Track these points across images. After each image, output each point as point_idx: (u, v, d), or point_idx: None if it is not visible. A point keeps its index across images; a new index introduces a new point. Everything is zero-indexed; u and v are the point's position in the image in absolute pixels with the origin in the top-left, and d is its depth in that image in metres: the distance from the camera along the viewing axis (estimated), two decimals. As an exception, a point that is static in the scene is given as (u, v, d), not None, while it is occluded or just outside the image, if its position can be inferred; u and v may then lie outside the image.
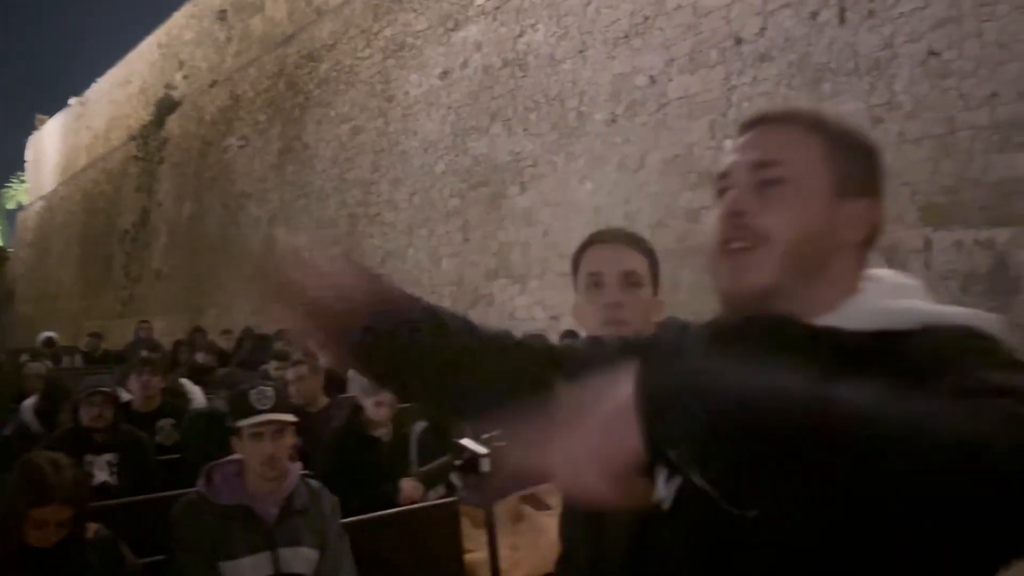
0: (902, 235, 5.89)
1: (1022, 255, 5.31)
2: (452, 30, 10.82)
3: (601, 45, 8.66)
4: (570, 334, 6.45)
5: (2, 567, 2.11)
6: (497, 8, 10.10)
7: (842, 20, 6.46)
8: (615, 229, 1.65)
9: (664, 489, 0.91)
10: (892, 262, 5.83)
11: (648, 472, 0.70)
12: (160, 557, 2.43)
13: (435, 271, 10.81)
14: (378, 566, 2.73)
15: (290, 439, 2.52)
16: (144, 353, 4.79)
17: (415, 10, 11.55)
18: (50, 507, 2.13)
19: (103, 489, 3.43)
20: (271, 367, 5.52)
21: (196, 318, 15.36)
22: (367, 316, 0.96)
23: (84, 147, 26.13)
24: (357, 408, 3.72)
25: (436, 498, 3.34)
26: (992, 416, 0.61)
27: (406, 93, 11.62)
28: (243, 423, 2.44)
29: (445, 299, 10.50)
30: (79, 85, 27.65)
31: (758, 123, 0.95)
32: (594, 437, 0.67)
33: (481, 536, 3.03)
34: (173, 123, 19.48)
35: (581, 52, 8.89)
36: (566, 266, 1.69)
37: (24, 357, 7.38)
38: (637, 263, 1.55)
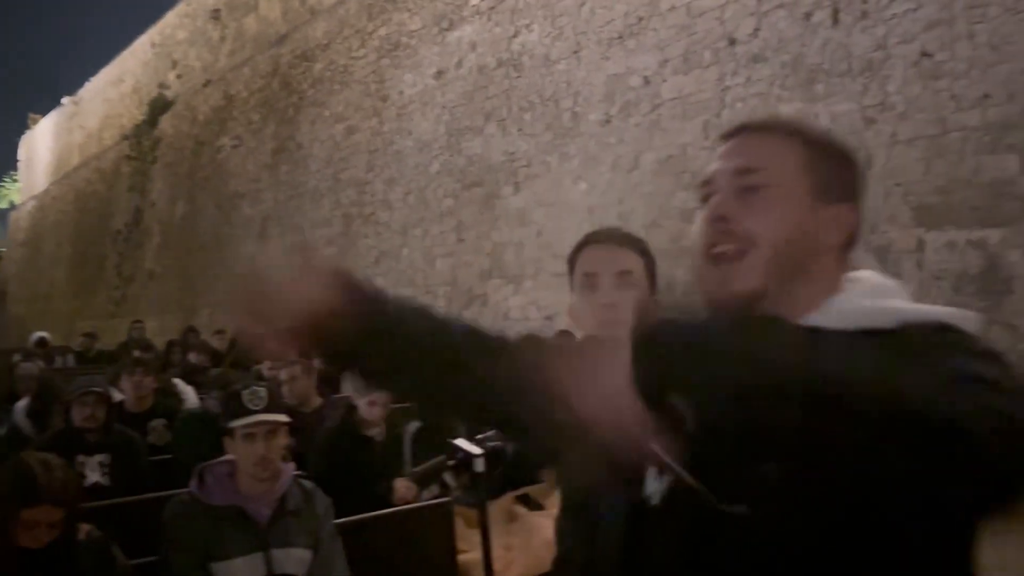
0: (895, 235, 5.91)
1: (1014, 256, 5.33)
2: (447, 30, 10.81)
3: (595, 46, 8.66)
4: (565, 334, 6.47)
5: (-7, 568, 2.10)
6: (492, 8, 10.10)
7: (836, 21, 6.48)
8: (611, 229, 1.64)
9: (654, 485, 0.93)
10: (885, 262, 5.84)
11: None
12: (152, 558, 2.42)
13: (429, 271, 10.80)
14: (371, 566, 2.72)
15: (283, 439, 2.52)
16: (136, 353, 4.77)
17: (409, 10, 11.54)
18: (41, 508, 2.12)
19: (95, 490, 3.41)
20: (264, 367, 5.50)
21: (189, 318, 15.32)
22: (352, 321, 0.95)
23: (77, 146, 26.04)
24: (351, 408, 3.71)
25: (430, 498, 3.34)
26: (964, 402, 0.65)
27: (400, 93, 11.60)
28: (236, 423, 2.43)
29: (439, 299, 10.49)
30: (72, 84, 27.59)
31: (740, 131, 0.98)
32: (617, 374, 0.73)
33: (475, 536, 3.03)
34: (166, 122, 19.43)
35: (575, 52, 8.90)
36: (560, 266, 1.69)
37: (16, 357, 7.35)
38: (633, 263, 1.55)
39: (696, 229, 0.96)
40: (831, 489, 0.73)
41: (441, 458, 2.23)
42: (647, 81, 8.07)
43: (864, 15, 6.28)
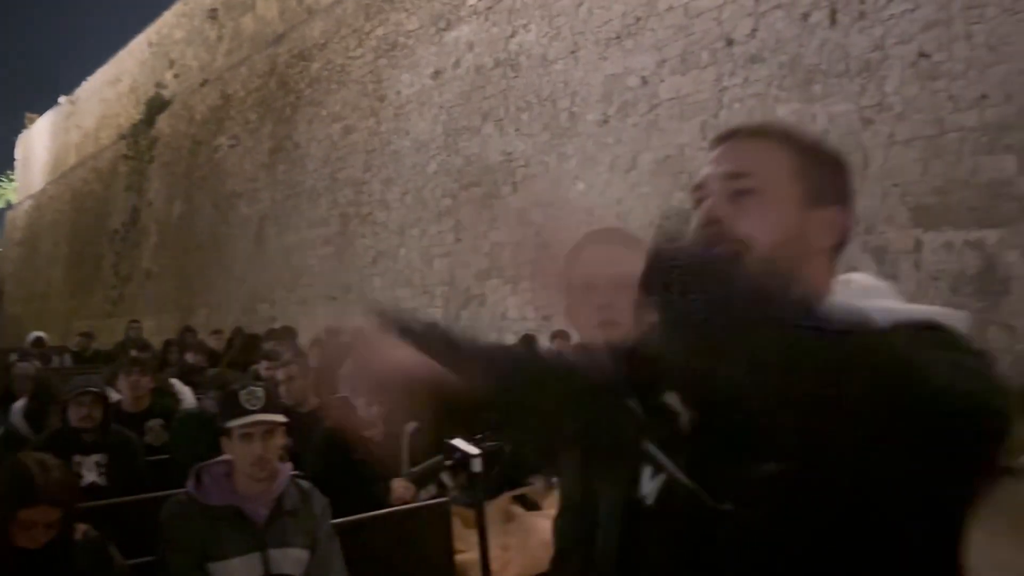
0: (892, 236, 5.92)
1: (1011, 256, 5.34)
2: (444, 30, 10.81)
3: (593, 46, 8.67)
4: (561, 334, 6.46)
5: (-11, 569, 2.10)
6: (489, 8, 10.10)
7: (833, 22, 6.49)
8: (609, 229, 1.64)
9: (649, 485, 0.94)
10: (882, 263, 5.86)
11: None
12: (149, 558, 2.41)
13: (427, 271, 10.80)
14: (369, 567, 2.72)
15: (280, 439, 2.51)
16: (133, 353, 4.76)
17: (407, 10, 11.54)
18: (37, 508, 2.11)
19: (92, 490, 3.41)
20: (261, 367, 5.49)
21: (186, 318, 15.31)
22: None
23: (74, 146, 26.00)
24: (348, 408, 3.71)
25: (427, 498, 3.34)
26: (944, 377, 0.68)
27: (398, 93, 11.60)
28: (233, 423, 2.42)
29: (437, 299, 10.50)
30: (69, 84, 27.53)
31: (731, 137, 1.00)
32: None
33: (472, 536, 3.03)
34: (163, 122, 19.40)
35: (573, 53, 8.90)
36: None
37: (13, 357, 7.33)
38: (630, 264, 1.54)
39: (688, 232, 0.98)
40: (825, 488, 0.74)
41: (438, 458, 2.24)
42: (645, 81, 8.07)
43: (862, 16, 6.29)
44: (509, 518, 3.30)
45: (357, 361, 1.03)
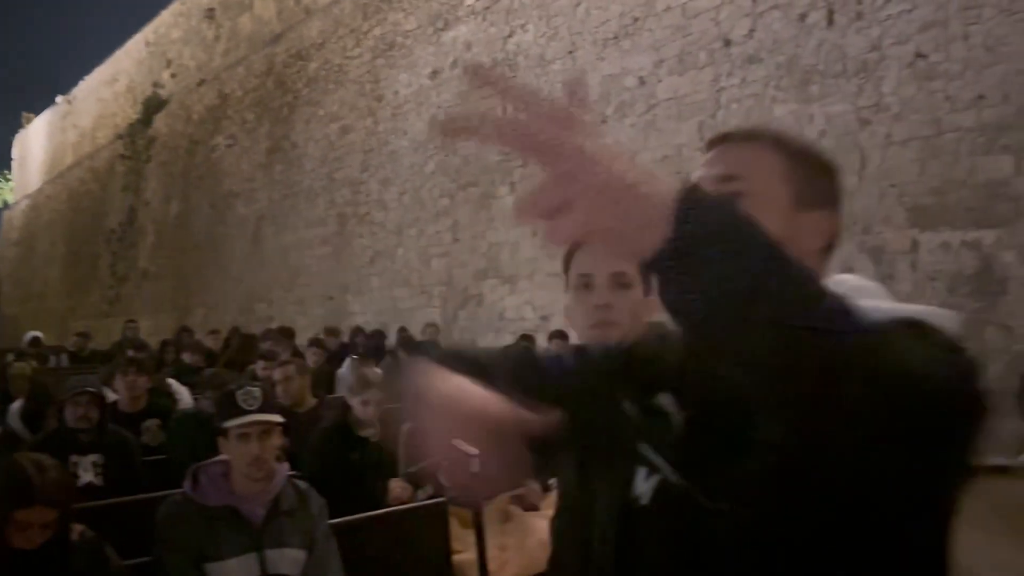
0: (889, 236, 5.93)
1: (1008, 256, 5.35)
2: (442, 30, 10.81)
3: (591, 46, 8.67)
4: (559, 334, 6.47)
5: (-15, 569, 2.09)
6: (487, 8, 10.10)
7: (830, 22, 6.49)
8: None
9: (643, 486, 0.95)
10: (879, 263, 5.86)
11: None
12: (146, 559, 2.41)
13: (425, 271, 10.79)
14: (366, 567, 2.72)
15: (277, 440, 2.51)
16: (130, 353, 4.75)
17: (404, 10, 11.54)
18: (34, 509, 2.11)
19: (88, 490, 3.40)
20: (258, 367, 5.49)
21: (183, 318, 15.30)
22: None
23: (71, 145, 25.96)
24: (345, 408, 3.71)
25: (424, 498, 3.34)
26: (922, 360, 0.69)
27: (395, 92, 11.60)
28: (230, 424, 2.42)
29: (434, 299, 10.50)
30: (66, 83, 27.51)
31: (723, 141, 1.01)
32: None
33: (469, 536, 3.03)
34: (160, 122, 19.38)
35: (571, 53, 8.91)
36: (555, 266, 1.68)
37: (10, 357, 7.31)
38: (627, 264, 1.54)
39: None
40: (818, 486, 0.74)
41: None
42: (642, 82, 8.08)
43: (859, 16, 6.29)
44: (507, 518, 3.29)
45: (439, 414, 0.87)
